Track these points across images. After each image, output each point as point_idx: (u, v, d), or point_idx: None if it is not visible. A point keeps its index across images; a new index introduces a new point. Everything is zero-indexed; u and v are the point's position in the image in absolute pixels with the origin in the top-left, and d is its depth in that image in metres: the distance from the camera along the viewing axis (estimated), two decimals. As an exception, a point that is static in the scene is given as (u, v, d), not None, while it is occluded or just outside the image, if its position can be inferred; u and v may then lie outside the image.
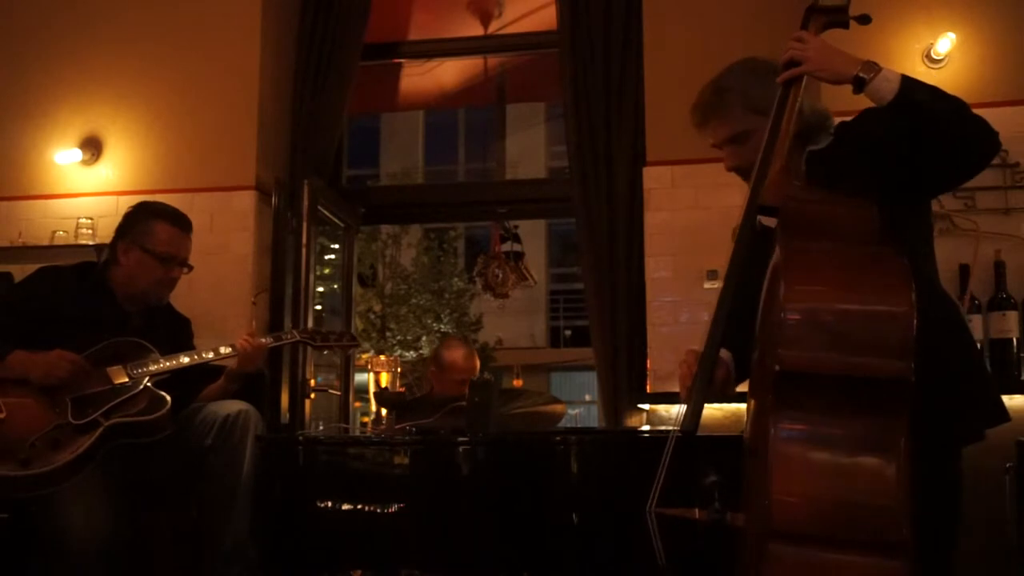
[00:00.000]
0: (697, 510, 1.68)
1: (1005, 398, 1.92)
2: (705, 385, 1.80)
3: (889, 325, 1.52)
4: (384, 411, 3.80)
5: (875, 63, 1.82)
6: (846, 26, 1.95)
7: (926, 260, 1.95)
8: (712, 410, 3.31)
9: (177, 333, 3.04)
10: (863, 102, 1.87)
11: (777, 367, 1.53)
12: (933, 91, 1.81)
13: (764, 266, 1.71)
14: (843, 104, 2.06)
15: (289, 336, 3.09)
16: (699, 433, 1.77)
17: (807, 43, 1.87)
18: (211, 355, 2.86)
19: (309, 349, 3.97)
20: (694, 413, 1.76)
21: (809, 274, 1.60)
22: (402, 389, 4.09)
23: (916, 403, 1.51)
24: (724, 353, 2.00)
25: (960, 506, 1.84)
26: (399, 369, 3.98)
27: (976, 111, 1.79)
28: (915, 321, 1.51)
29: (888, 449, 1.50)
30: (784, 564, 1.48)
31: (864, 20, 1.93)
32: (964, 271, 3.34)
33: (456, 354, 4.03)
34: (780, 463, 1.51)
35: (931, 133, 1.77)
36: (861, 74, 1.81)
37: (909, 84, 1.80)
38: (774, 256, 1.65)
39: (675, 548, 1.73)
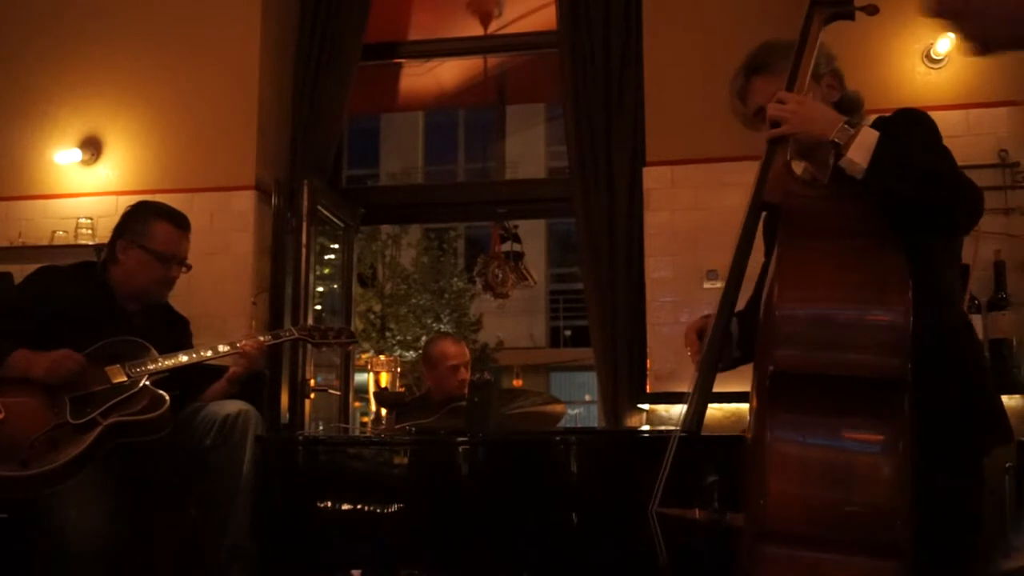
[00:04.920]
0: (697, 510, 1.67)
1: (1005, 398, 1.91)
2: (711, 374, 1.75)
3: (884, 324, 1.51)
4: (384, 411, 3.80)
5: (851, 125, 1.70)
6: (851, 17, 1.89)
7: (942, 271, 1.88)
8: (713, 410, 3.31)
9: (176, 333, 3.04)
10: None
11: (771, 367, 1.53)
12: (902, 170, 1.65)
13: None
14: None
15: (287, 333, 3.09)
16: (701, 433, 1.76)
17: (787, 103, 1.77)
18: (209, 353, 2.85)
19: (309, 348, 3.97)
20: (697, 412, 1.73)
21: (804, 273, 1.59)
22: (402, 389, 4.10)
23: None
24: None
25: (979, 517, 1.80)
26: (399, 369, 3.99)
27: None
28: (911, 320, 1.49)
29: (884, 450, 1.49)
30: (778, 564, 1.48)
31: (871, 10, 1.85)
32: (964, 271, 3.34)
33: (442, 345, 4.07)
34: (775, 463, 1.52)
35: (903, 212, 1.66)
36: (836, 139, 1.69)
37: (878, 166, 1.64)
38: (774, 254, 1.65)
39: (678, 547, 1.72)
